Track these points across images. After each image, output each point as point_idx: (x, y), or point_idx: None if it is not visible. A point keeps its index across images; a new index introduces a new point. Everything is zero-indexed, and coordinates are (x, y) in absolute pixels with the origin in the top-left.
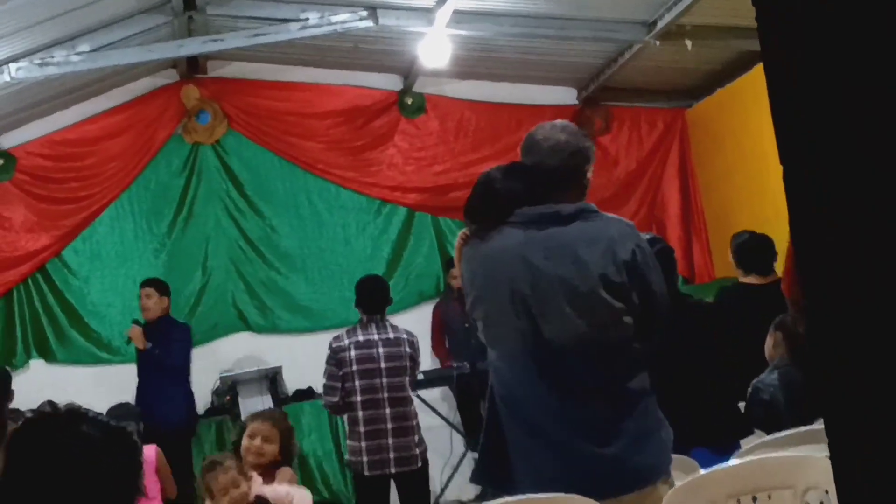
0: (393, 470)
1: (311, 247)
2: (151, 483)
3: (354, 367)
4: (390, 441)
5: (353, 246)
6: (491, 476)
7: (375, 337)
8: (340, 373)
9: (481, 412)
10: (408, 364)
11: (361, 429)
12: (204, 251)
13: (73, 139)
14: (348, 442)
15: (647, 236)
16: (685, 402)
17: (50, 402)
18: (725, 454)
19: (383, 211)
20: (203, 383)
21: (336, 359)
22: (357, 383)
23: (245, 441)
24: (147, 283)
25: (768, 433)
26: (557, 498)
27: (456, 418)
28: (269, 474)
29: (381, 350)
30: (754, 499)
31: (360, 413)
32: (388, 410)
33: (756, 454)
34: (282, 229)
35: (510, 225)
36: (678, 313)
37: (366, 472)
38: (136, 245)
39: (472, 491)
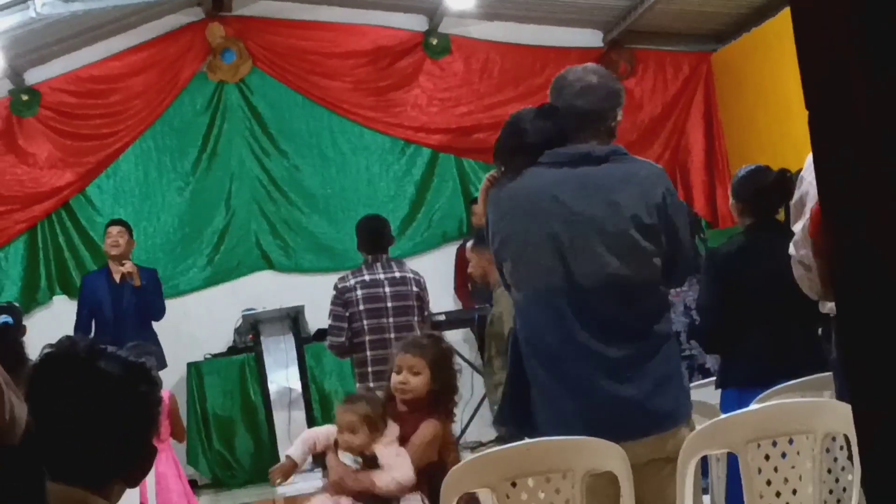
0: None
1: (334, 187)
2: (164, 426)
3: (361, 307)
4: None
5: (377, 186)
6: (513, 418)
7: (381, 276)
8: (347, 313)
9: None
10: (414, 303)
11: (370, 369)
12: (227, 190)
13: (97, 76)
14: (357, 385)
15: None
16: (767, 337)
17: (69, 338)
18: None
19: (407, 152)
20: (225, 321)
21: (342, 300)
22: (365, 323)
23: (392, 377)
24: (116, 221)
25: None
26: (577, 440)
27: (477, 360)
28: (417, 417)
29: (387, 289)
30: (774, 443)
31: (369, 353)
32: (393, 350)
33: (777, 398)
34: (305, 169)
35: (541, 165)
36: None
37: None
38: (159, 182)
39: (492, 432)
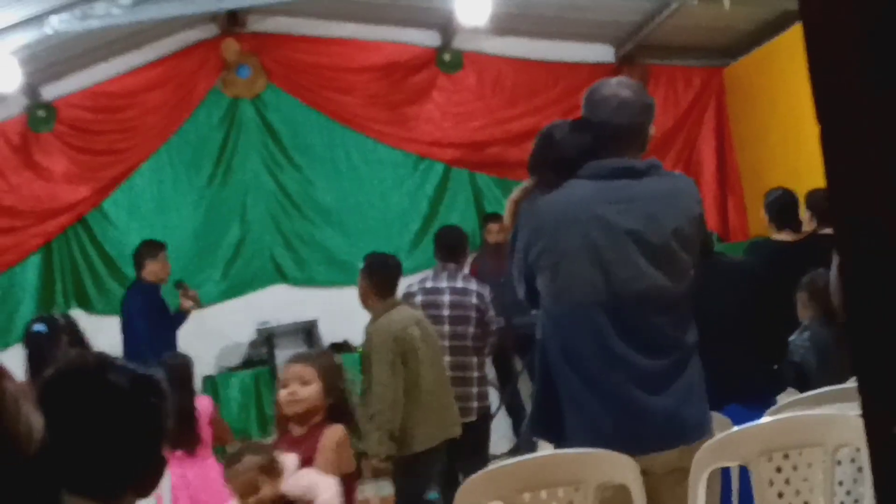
0: None
1: (348, 201)
2: (206, 433)
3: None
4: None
5: (390, 201)
6: (545, 427)
7: (444, 285)
8: None
9: (515, 366)
10: (473, 315)
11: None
12: (242, 204)
13: (113, 91)
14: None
15: None
16: (720, 359)
17: (78, 351)
18: (760, 410)
19: (420, 166)
20: (240, 335)
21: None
22: None
23: (280, 394)
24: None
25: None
26: (589, 453)
27: (491, 373)
28: (316, 431)
29: (447, 298)
30: (786, 456)
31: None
32: (448, 359)
33: (788, 412)
34: (319, 183)
35: (581, 178)
36: (713, 271)
37: None
38: (174, 197)
39: (506, 444)
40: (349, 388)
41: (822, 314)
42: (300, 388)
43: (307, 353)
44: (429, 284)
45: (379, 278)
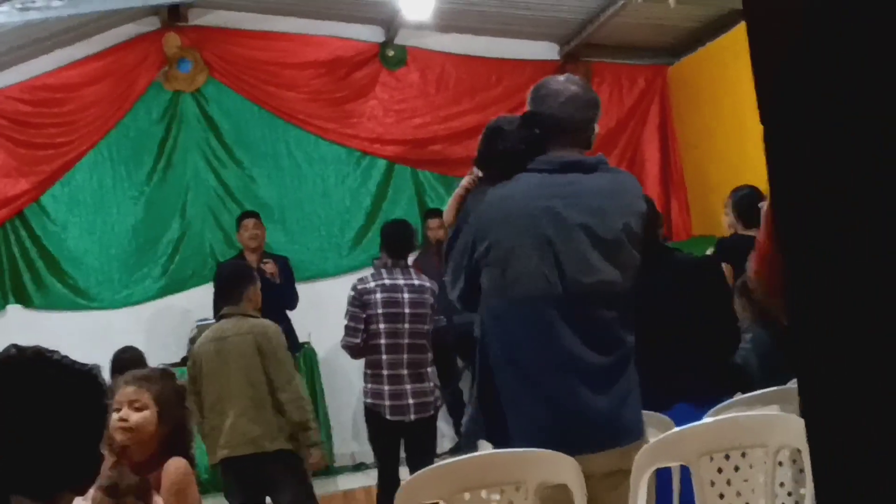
0: (413, 417)
1: (289, 197)
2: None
3: (380, 310)
4: (408, 387)
5: (332, 197)
6: (483, 427)
7: (401, 281)
8: (364, 315)
9: (457, 365)
10: (429, 312)
11: (385, 372)
12: (183, 200)
13: (53, 85)
14: (369, 385)
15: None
16: (670, 357)
17: (15, 346)
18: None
19: (363, 163)
20: (180, 332)
21: (361, 301)
22: (382, 326)
23: (111, 418)
24: (250, 214)
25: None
26: (530, 453)
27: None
28: (153, 464)
29: (406, 295)
30: (727, 457)
31: (384, 357)
32: (406, 356)
33: (730, 412)
34: (261, 179)
35: (530, 172)
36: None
37: (388, 416)
38: (114, 192)
39: (447, 443)
40: (187, 415)
41: (759, 317)
42: (132, 414)
43: (145, 373)
44: (387, 281)
45: None
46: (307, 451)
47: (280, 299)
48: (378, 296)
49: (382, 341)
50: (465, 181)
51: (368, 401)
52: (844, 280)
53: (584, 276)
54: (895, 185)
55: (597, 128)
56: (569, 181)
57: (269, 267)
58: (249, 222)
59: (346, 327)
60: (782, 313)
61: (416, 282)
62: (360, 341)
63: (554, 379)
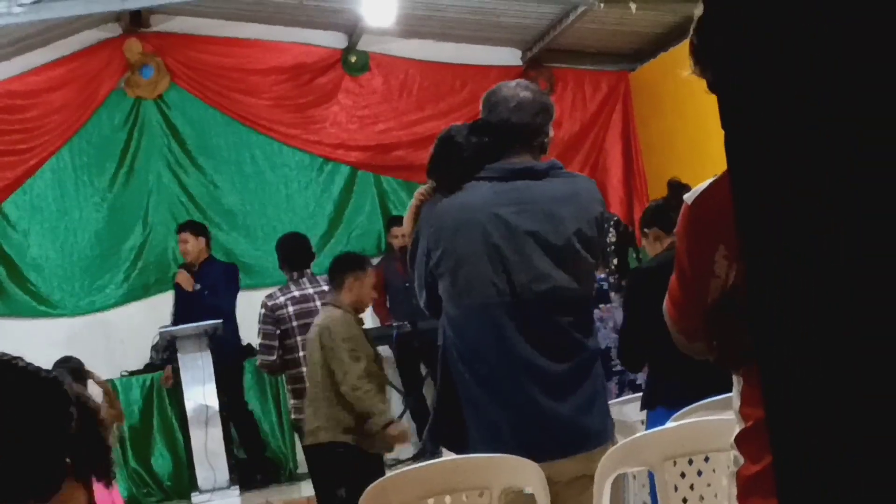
0: None
1: (252, 204)
2: None
3: (294, 323)
4: None
5: (295, 203)
6: (444, 434)
7: (311, 291)
8: (278, 331)
9: (421, 371)
10: None
11: (307, 385)
12: (145, 206)
13: (14, 91)
14: (293, 401)
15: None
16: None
17: None
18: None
19: (326, 169)
20: (142, 338)
21: (273, 317)
22: (298, 339)
23: None
24: (184, 226)
25: None
26: (494, 458)
27: (395, 377)
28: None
29: (318, 303)
30: (690, 461)
31: (305, 370)
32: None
33: (693, 416)
34: (224, 186)
35: (480, 180)
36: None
37: None
38: (76, 199)
39: (410, 450)
40: (109, 426)
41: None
42: None
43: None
44: (296, 293)
45: None
46: (382, 435)
47: (215, 308)
48: (290, 309)
49: (300, 354)
50: (419, 191)
51: (295, 416)
52: (809, 283)
53: (535, 283)
54: (860, 189)
55: (551, 132)
56: (519, 188)
57: (179, 276)
58: (181, 236)
59: (261, 346)
60: (707, 353)
61: (327, 287)
62: (276, 358)
63: (512, 386)
